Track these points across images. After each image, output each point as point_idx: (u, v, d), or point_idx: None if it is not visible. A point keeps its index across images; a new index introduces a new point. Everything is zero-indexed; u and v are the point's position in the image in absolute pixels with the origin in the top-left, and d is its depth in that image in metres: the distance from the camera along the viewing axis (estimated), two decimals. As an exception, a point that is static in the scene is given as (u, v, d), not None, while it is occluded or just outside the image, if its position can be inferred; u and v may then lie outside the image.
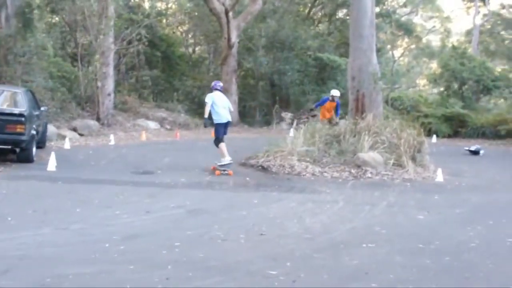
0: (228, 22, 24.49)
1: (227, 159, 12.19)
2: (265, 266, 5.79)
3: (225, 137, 12.47)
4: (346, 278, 5.59)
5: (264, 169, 12.75)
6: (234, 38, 25.20)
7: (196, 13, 30.04)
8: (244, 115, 27.38)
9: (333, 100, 16.08)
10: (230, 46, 25.28)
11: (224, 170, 12.13)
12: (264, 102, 27.81)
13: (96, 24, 21.52)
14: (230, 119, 12.61)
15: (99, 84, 21.87)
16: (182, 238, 6.83)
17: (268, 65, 26.19)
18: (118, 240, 6.61)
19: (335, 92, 16.31)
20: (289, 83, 26.34)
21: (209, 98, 12.26)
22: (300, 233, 7.31)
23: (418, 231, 7.61)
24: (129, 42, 24.41)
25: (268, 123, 25.70)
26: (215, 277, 5.41)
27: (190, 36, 33.14)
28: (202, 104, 27.69)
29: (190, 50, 32.30)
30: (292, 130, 18.17)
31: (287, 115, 24.97)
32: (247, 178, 11.74)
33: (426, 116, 23.79)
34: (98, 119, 21.63)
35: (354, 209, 8.96)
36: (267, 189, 10.63)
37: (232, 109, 13.05)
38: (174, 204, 8.96)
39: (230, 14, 24.57)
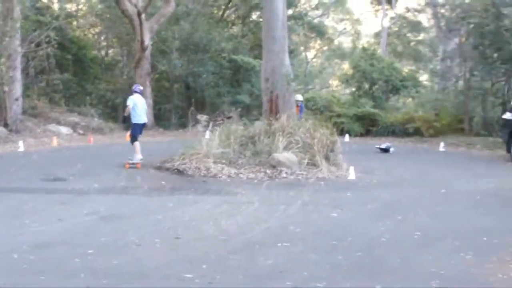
0: (141, 24, 24.15)
1: (138, 157, 13.49)
2: (180, 270, 5.77)
3: (140, 140, 12.62)
4: (262, 277, 5.65)
5: (179, 172, 12.65)
6: (147, 41, 24.88)
7: (108, 15, 29.42)
8: (159, 118, 27.06)
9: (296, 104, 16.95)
10: (143, 49, 24.94)
11: (133, 164, 13.38)
12: (179, 104, 27.60)
13: (1, 26, 20.66)
14: (146, 121, 14.51)
15: (5, 88, 21.00)
16: (96, 245, 6.69)
17: (182, 67, 26.02)
18: (27, 250, 6.40)
19: (298, 97, 17.55)
20: (204, 85, 26.29)
21: (131, 101, 13.91)
22: (216, 235, 7.32)
23: (332, 229, 7.78)
24: (38, 45, 23.58)
25: (183, 125, 25.53)
26: (130, 283, 5.33)
27: (102, 38, 32.43)
28: (116, 108, 27.41)
29: (103, 52, 31.62)
30: (208, 132, 18.14)
31: (203, 118, 24.91)
32: (163, 182, 11.61)
33: (338, 115, 24.34)
34: (5, 125, 20.77)
35: (269, 209, 9.05)
36: (183, 192, 10.57)
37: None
38: (87, 210, 8.75)
39: (143, 16, 24.23)
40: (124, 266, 5.89)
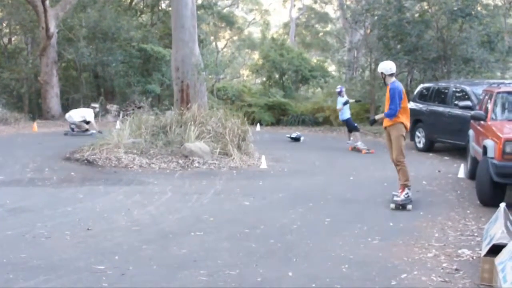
0: (45, 11, 23.26)
1: None
2: (92, 262, 5.68)
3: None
4: (175, 267, 5.64)
5: (89, 163, 12.36)
6: (52, 28, 24.01)
7: (10, 1, 28.14)
8: (68, 108, 26.23)
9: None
10: (48, 37, 24.06)
11: None
12: (88, 94, 26.87)
13: None
14: None
15: None
16: (2, 239, 6.47)
17: (90, 56, 25.32)
18: None
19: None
20: (113, 74, 25.72)
21: None
22: (128, 226, 7.24)
23: (244, 217, 7.88)
24: None
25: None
26: (39, 277, 5.19)
27: (4, 25, 30.97)
28: (21, 97, 26.35)
29: (6, 40, 30.22)
30: (118, 122, 17.83)
31: (113, 107, 24.39)
32: (72, 173, 11.30)
33: (250, 105, 24.53)
34: None
35: (182, 199, 9.04)
36: (93, 183, 10.35)
37: None
38: (-8, 203, 8.41)
39: (47, 3, 23.35)
40: (33, 259, 5.72)
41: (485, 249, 5.48)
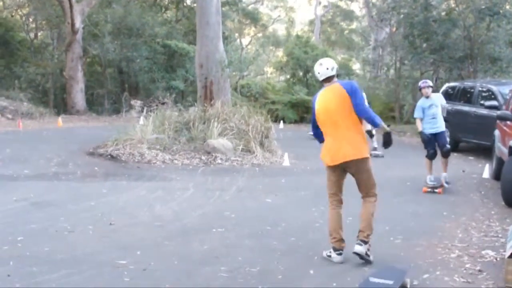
0: (71, 6, 23.48)
1: None
2: (114, 256, 5.70)
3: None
4: (197, 263, 5.65)
5: (113, 158, 12.47)
6: (78, 24, 24.23)
7: (37, -4, 28.49)
8: (93, 103, 26.51)
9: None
10: (74, 32, 24.28)
11: None
12: (112, 89, 27.09)
13: None
14: None
15: None
16: (26, 232, 6.52)
17: (115, 51, 25.50)
18: (-47, 239, 6.17)
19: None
20: (137, 70, 25.86)
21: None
22: (150, 221, 7.27)
23: (266, 214, 7.86)
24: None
25: (117, 111, 25.10)
26: (61, 271, 5.23)
27: (31, 20, 31.34)
28: (47, 92, 26.64)
29: (32, 35, 30.58)
30: (142, 118, 17.93)
31: (137, 103, 24.54)
32: (96, 168, 11.41)
33: (273, 102, 24.52)
34: None
35: (204, 195, 9.06)
36: (116, 178, 10.43)
37: None
38: (17, 197, 8.50)
39: (73, -2, 23.61)
40: (56, 253, 5.77)
41: (509, 250, 5.39)
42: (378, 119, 5.95)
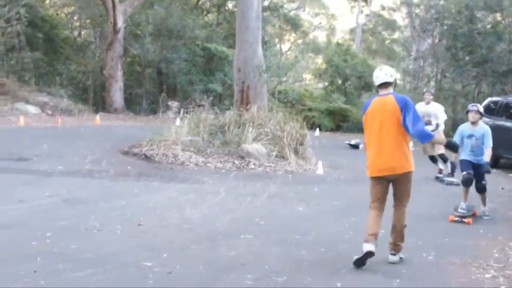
0: (114, 6, 23.76)
1: None
2: (140, 258, 5.66)
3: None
4: (223, 269, 5.56)
5: (147, 158, 12.50)
6: (120, 23, 24.51)
7: (82, -5, 28.94)
8: (130, 102, 26.78)
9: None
10: (116, 31, 24.57)
11: None
12: (151, 90, 27.33)
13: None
14: None
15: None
16: (55, 229, 6.54)
17: (155, 52, 25.69)
18: (-16, 231, 6.21)
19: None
20: (176, 72, 26.02)
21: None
22: (180, 224, 7.22)
23: (297, 223, 7.74)
24: (7, 21, 23.03)
25: (154, 111, 25.29)
26: (86, 269, 5.20)
27: (75, 18, 31.86)
28: (86, 90, 27.00)
29: (75, 33, 31.08)
30: (178, 119, 18.00)
31: (174, 104, 24.65)
32: (129, 167, 11.43)
33: (310, 109, 24.37)
34: (-30, 102, 20.29)
35: (236, 200, 8.97)
36: (149, 178, 10.42)
37: None
38: (50, 192, 8.56)
39: (117, -2, 23.90)
40: (82, 251, 5.76)
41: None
42: (426, 136, 6.01)
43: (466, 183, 8.45)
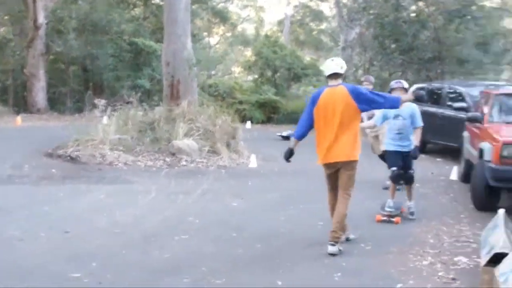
0: (34, 1, 22.78)
1: None
2: (67, 268, 5.32)
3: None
4: (157, 273, 5.31)
5: (72, 159, 11.92)
6: (41, 19, 23.53)
7: (-1, -9, 27.66)
8: (55, 102, 25.75)
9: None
10: (37, 28, 23.58)
11: None
12: (76, 88, 26.37)
13: None
14: None
15: None
16: (-28, 241, 6.07)
17: (79, 49, 24.85)
18: None
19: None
20: (102, 68, 25.22)
21: None
22: (109, 228, 6.87)
23: (232, 219, 7.53)
24: None
25: (80, 110, 24.37)
26: (7, 283, 4.82)
27: (-8, 15, 30.48)
28: (6, 90, 25.83)
29: (-7, 31, 29.72)
30: (105, 117, 17.43)
31: (101, 102, 23.82)
32: (53, 170, 10.82)
33: (240, 102, 24.14)
34: None
35: (168, 199, 8.68)
36: (75, 181, 9.91)
37: None
38: (-35, 202, 8.00)
39: (37, -7, 22.93)
40: (3, 263, 5.36)
41: (485, 258, 5.15)
42: (396, 101, 6.21)
43: (396, 179, 7.86)
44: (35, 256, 5.67)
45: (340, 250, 6.07)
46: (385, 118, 7.81)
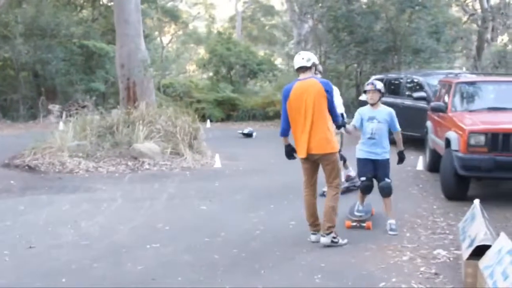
0: (-22, 7, 22.05)
1: None
2: (35, 287, 5.01)
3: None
4: (132, 287, 5.05)
5: (31, 169, 11.44)
6: (-14, 25, 22.78)
7: None
8: (6, 109, 24.96)
9: None
10: (-18, 34, 22.83)
11: None
12: (28, 94, 25.60)
13: None
14: None
15: None
16: None
17: (28, 54, 24.12)
18: None
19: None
20: (54, 73, 24.55)
21: None
22: (76, 240, 6.56)
23: (203, 224, 7.31)
24: None
25: (34, 117, 23.72)
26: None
27: None
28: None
29: None
30: (61, 123, 16.95)
31: (55, 108, 23.27)
32: (11, 182, 10.34)
33: (198, 101, 23.88)
34: None
35: (134, 206, 8.38)
36: (36, 192, 9.48)
37: None
38: None
39: (-20, -2, 22.11)
40: (-34, 287, 5.04)
41: (466, 251, 5.09)
42: (341, 120, 6.51)
43: (365, 190, 7.10)
44: None
45: (334, 241, 6.17)
46: (360, 119, 7.09)
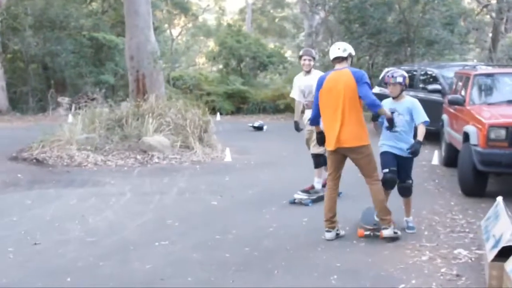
0: (-13, -1, 21.92)
1: None
2: (40, 285, 4.83)
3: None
4: (139, 287, 4.85)
5: (39, 162, 11.26)
6: (-5, 17, 22.66)
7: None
8: (16, 102, 24.86)
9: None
10: (-9, 26, 22.71)
11: None
12: (37, 87, 25.49)
13: None
14: None
15: None
16: None
17: (38, 46, 23.97)
18: None
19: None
20: (63, 65, 24.40)
21: None
22: (83, 237, 6.36)
23: (214, 220, 7.09)
24: None
25: (43, 109, 23.59)
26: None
27: None
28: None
29: None
30: (70, 116, 16.79)
31: (64, 100, 23.10)
32: (19, 175, 10.16)
33: (208, 94, 23.65)
34: None
35: (143, 200, 8.17)
36: (43, 186, 9.28)
37: None
38: None
39: (-11, -10, 22.00)
40: (-32, 286, 4.85)
41: (491, 253, 4.82)
42: (376, 105, 6.03)
43: (387, 184, 6.37)
44: (2, 273, 5.14)
45: (395, 232, 6.10)
46: None
